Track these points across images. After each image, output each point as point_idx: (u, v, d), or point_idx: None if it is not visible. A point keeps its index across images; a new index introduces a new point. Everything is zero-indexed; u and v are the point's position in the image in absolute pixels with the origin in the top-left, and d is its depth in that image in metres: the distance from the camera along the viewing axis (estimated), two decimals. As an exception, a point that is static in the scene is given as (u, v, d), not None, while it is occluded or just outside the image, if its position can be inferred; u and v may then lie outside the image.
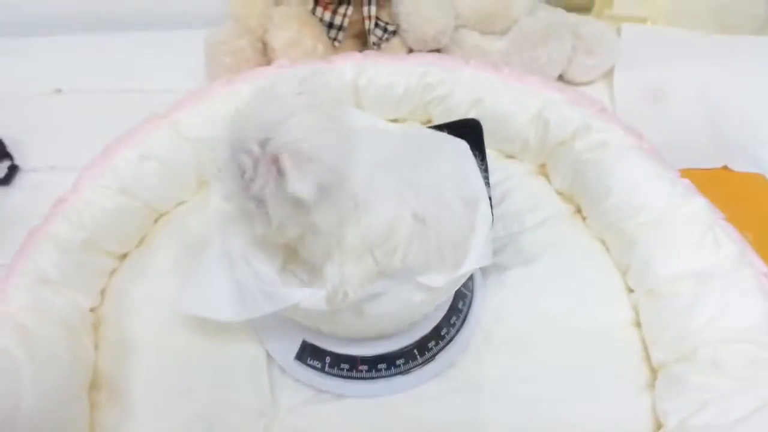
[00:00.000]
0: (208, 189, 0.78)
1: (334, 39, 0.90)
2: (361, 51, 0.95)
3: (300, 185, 0.45)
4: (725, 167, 0.79)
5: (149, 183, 0.72)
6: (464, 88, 0.78)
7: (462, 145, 0.60)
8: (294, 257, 0.59)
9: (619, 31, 0.91)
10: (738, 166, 0.78)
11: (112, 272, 0.70)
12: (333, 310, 0.51)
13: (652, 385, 0.61)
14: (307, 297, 0.50)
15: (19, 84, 0.98)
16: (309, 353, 0.61)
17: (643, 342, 0.64)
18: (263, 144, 0.46)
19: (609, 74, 0.93)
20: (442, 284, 0.53)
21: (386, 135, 0.56)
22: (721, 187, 0.70)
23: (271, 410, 0.60)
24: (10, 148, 0.88)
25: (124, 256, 0.72)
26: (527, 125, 0.77)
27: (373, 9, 0.88)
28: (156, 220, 0.76)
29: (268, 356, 0.64)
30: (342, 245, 0.53)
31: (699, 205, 0.65)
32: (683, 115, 0.86)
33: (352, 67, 0.80)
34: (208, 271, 0.59)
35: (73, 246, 0.65)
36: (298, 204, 0.47)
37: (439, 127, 0.71)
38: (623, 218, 0.67)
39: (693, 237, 0.63)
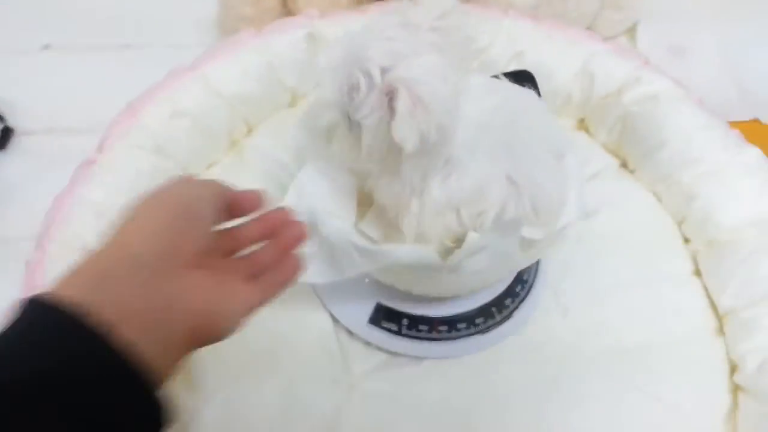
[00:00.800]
0: (240, 148, 0.73)
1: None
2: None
3: (406, 133, 0.42)
4: (756, 120, 0.80)
5: (182, 142, 0.67)
6: (504, 40, 0.76)
7: (537, 98, 0.58)
8: (364, 215, 0.56)
9: (642, -16, 0.90)
10: (766, 118, 0.80)
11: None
12: (434, 268, 0.48)
13: (720, 330, 0.62)
14: (415, 252, 0.47)
15: (3, 41, 0.88)
16: (384, 316, 0.58)
17: (706, 290, 0.65)
18: (384, 71, 0.42)
19: (632, 30, 0.92)
20: (542, 237, 0.51)
21: (484, 90, 0.53)
22: (755, 138, 0.71)
23: (344, 377, 0.58)
24: (1, 109, 0.79)
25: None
26: (571, 79, 0.75)
27: (399, -42, 0.83)
28: (184, 184, 0.70)
29: (334, 321, 0.60)
30: (423, 198, 0.50)
31: (754, 154, 0.66)
32: (707, 70, 0.86)
33: (389, 13, 0.75)
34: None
35: (112, 212, 0.59)
36: (392, 146, 0.44)
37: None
38: (679, 170, 0.67)
39: (752, 186, 0.64)
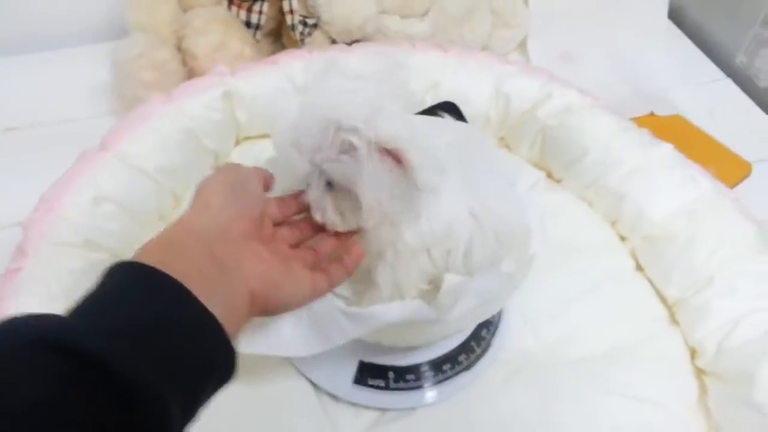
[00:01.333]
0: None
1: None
2: (274, 50, 0.90)
3: (426, 180, 0.44)
4: (652, 113, 0.87)
5: (112, 229, 0.61)
6: (418, 74, 0.77)
7: (478, 131, 0.59)
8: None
9: (526, 1, 0.95)
10: (661, 110, 0.87)
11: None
12: (428, 321, 0.47)
13: (672, 319, 0.66)
14: (407, 309, 0.46)
15: None
16: (369, 373, 0.56)
17: (651, 283, 0.69)
18: (368, 127, 0.42)
19: (522, 44, 0.97)
20: (514, 268, 0.51)
21: (436, 130, 0.53)
22: (655, 131, 0.77)
23: (336, 443, 0.55)
24: None
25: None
26: (487, 102, 0.77)
27: (295, 2, 0.82)
28: (119, 272, 0.64)
29: (314, 386, 0.58)
30: (397, 246, 0.49)
31: (667, 149, 0.71)
32: (598, 73, 0.93)
33: (301, 66, 0.74)
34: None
35: (52, 322, 0.53)
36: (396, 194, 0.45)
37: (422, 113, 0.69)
38: (604, 174, 0.71)
39: (673, 179, 0.69)
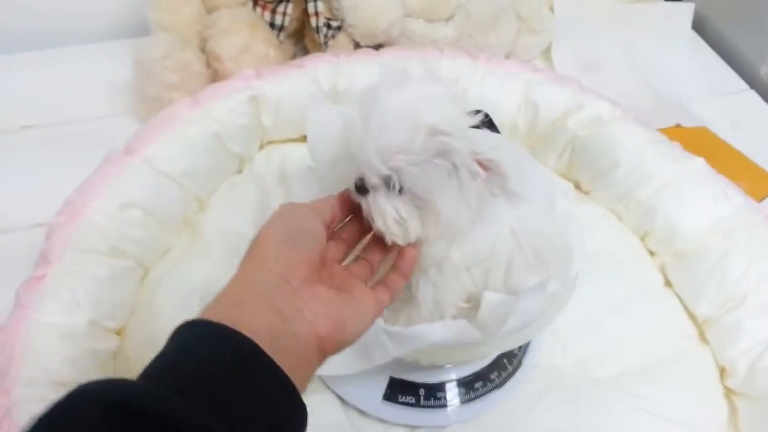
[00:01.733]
0: (194, 228, 0.67)
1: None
2: (296, 51, 0.89)
3: (516, 184, 0.45)
4: (678, 125, 0.86)
5: (139, 236, 0.60)
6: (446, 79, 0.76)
7: (519, 147, 0.58)
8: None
9: (552, 8, 0.94)
10: (686, 122, 0.86)
11: (116, 354, 0.57)
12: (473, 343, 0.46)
13: (701, 337, 0.65)
14: (451, 330, 0.45)
15: None
16: (399, 390, 0.55)
17: (680, 300, 0.68)
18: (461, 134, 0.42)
19: (546, 51, 0.95)
20: (558, 288, 0.50)
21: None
22: (682, 143, 0.76)
23: (364, 460, 0.54)
24: None
25: (120, 332, 0.59)
26: (515, 111, 0.76)
27: (321, 5, 0.81)
28: (142, 278, 0.63)
29: (342, 401, 0.57)
30: (442, 264, 0.48)
31: (699, 163, 0.70)
32: (621, 82, 0.92)
33: (327, 71, 0.73)
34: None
35: (79, 333, 0.52)
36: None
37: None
38: (636, 187, 0.70)
39: (705, 194, 0.68)
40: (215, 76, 0.77)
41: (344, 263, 0.45)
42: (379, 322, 0.46)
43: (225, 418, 0.29)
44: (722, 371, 0.63)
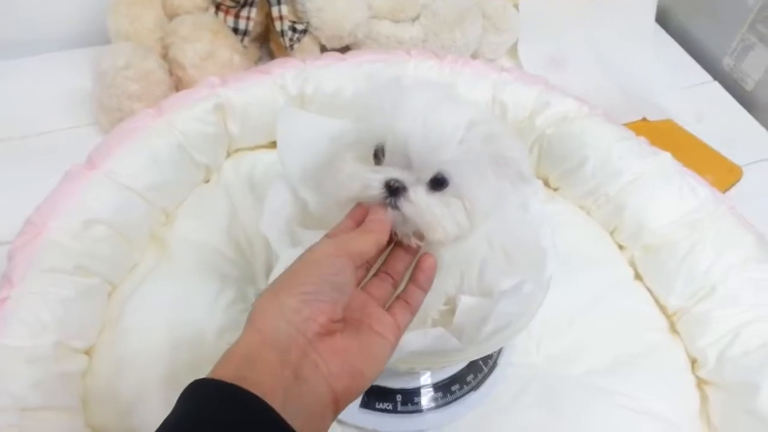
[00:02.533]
0: (162, 242, 0.65)
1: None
2: (261, 55, 0.88)
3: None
4: (644, 119, 0.87)
5: (104, 253, 0.58)
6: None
7: None
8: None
9: (517, 5, 0.94)
10: (652, 115, 0.87)
11: (85, 373, 0.56)
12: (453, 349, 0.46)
13: (672, 329, 0.66)
14: (429, 337, 0.45)
15: None
16: (376, 397, 0.55)
17: (650, 293, 0.69)
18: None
19: (512, 49, 0.96)
20: (533, 289, 0.50)
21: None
22: (649, 136, 0.77)
23: (344, 469, 0.54)
24: None
25: (88, 352, 0.57)
26: (489, 110, 0.76)
27: (285, 8, 0.80)
28: (110, 294, 0.61)
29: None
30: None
31: (665, 158, 0.71)
32: (587, 78, 0.92)
33: (294, 76, 0.72)
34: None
35: (45, 355, 0.50)
36: None
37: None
38: (604, 183, 0.71)
39: (672, 188, 0.69)
40: (179, 84, 0.76)
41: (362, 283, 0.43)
42: None
43: None
44: (693, 362, 0.64)
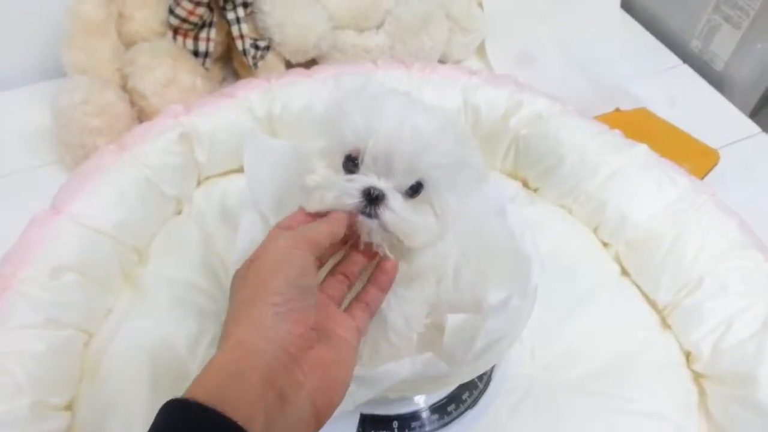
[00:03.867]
0: (135, 281, 0.63)
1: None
2: (224, 75, 0.86)
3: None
4: (617, 109, 0.86)
5: (75, 302, 0.56)
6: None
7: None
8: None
9: (480, 4, 0.93)
10: (625, 104, 0.86)
11: (68, 429, 0.54)
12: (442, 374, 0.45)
13: (664, 324, 0.66)
14: (419, 363, 0.43)
15: None
16: (372, 426, 0.54)
17: (638, 288, 0.68)
18: None
19: (480, 48, 0.95)
20: (520, 301, 0.49)
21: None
22: (623, 127, 0.76)
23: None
24: None
25: (69, 406, 0.55)
26: (456, 116, 0.75)
27: (245, 27, 0.78)
28: (86, 344, 0.59)
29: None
30: (411, 276, 0.48)
31: (642, 150, 0.70)
32: (557, 71, 0.92)
33: (260, 97, 0.70)
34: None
35: (23, 417, 0.48)
36: None
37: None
38: (582, 180, 0.70)
39: (651, 181, 0.68)
40: (141, 114, 0.74)
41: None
42: None
43: None
44: (688, 356, 0.63)
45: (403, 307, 0.48)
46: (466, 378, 0.51)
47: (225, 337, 0.35)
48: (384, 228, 0.42)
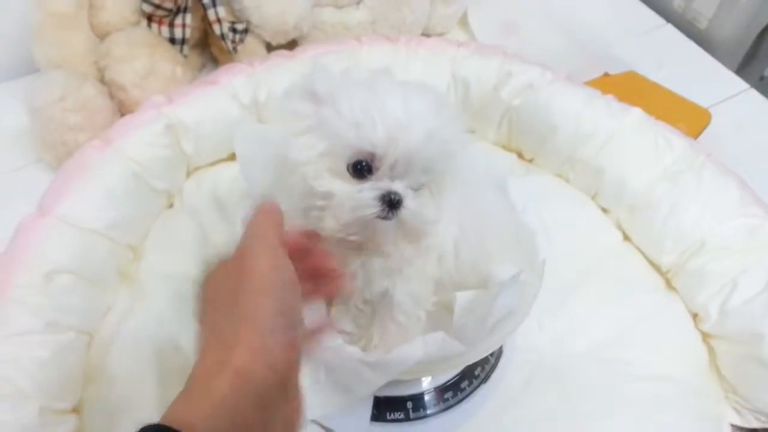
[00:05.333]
0: (132, 278, 0.62)
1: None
2: (203, 62, 0.84)
3: None
4: (606, 73, 0.85)
5: (73, 302, 0.54)
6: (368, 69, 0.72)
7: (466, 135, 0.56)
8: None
9: (462, -27, 0.91)
10: (613, 68, 0.85)
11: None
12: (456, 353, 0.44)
13: (669, 286, 0.66)
14: (432, 343, 0.43)
15: None
16: (387, 408, 0.53)
17: (642, 253, 0.68)
18: None
19: (463, 19, 0.93)
20: (529, 276, 0.49)
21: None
22: (614, 92, 0.75)
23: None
24: None
25: (76, 410, 0.54)
26: (446, 89, 0.73)
27: (222, 10, 0.75)
28: (89, 345, 0.57)
29: (325, 429, 0.54)
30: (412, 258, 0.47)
31: (636, 113, 0.70)
32: (542, 38, 0.90)
33: (244, 82, 0.68)
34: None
35: (31, 425, 0.47)
36: None
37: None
38: (578, 148, 0.69)
39: (648, 144, 0.68)
40: (122, 107, 0.71)
41: None
42: (355, 354, 0.43)
43: None
44: (695, 317, 0.63)
45: (408, 285, 0.48)
46: (479, 356, 0.50)
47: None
48: (401, 226, 0.42)
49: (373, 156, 0.40)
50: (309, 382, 0.43)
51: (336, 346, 0.45)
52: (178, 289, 0.61)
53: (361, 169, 0.41)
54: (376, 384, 0.44)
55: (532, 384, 0.57)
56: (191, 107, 0.66)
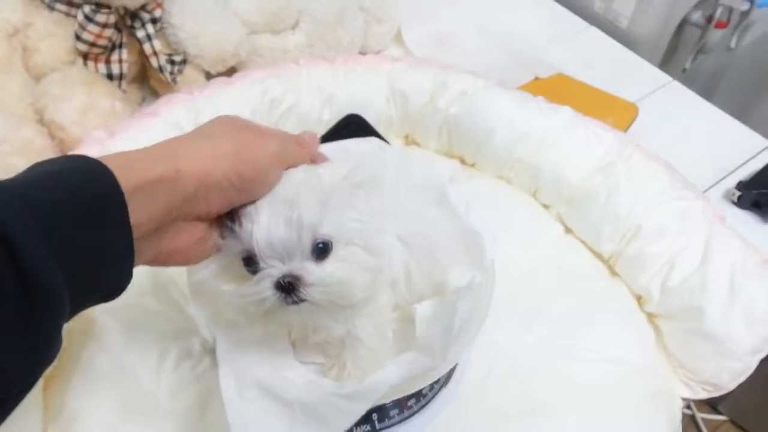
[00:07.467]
0: (82, 320, 0.61)
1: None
2: (143, 95, 0.84)
3: None
4: (537, 78, 0.89)
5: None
6: (309, 90, 0.74)
7: (395, 151, 0.58)
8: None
9: (392, -8, 0.94)
10: (543, 72, 0.89)
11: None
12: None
13: (612, 273, 0.69)
14: (404, 365, 0.44)
15: None
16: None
17: (584, 243, 0.71)
18: None
19: (398, 36, 0.95)
20: (482, 279, 0.50)
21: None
22: (545, 93, 0.79)
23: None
24: None
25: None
26: (386, 103, 0.76)
27: (157, 43, 0.76)
28: (45, 387, 0.56)
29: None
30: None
31: (566, 111, 0.73)
32: (474, 49, 0.94)
33: (184, 111, 0.69)
34: (238, 413, 0.45)
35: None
36: None
37: (329, 135, 0.66)
38: (515, 149, 0.72)
39: (579, 139, 0.71)
40: (62, 146, 0.71)
41: None
42: (329, 387, 0.44)
43: (66, 266, 0.30)
44: (639, 299, 0.66)
45: (369, 322, 0.49)
46: (451, 364, 0.52)
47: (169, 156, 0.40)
48: (316, 304, 0.41)
49: (248, 251, 0.41)
50: (287, 420, 0.43)
51: (308, 381, 0.45)
52: (133, 321, 0.60)
53: (253, 264, 0.41)
54: (355, 415, 0.45)
55: (490, 378, 0.59)
56: (134, 141, 0.66)
